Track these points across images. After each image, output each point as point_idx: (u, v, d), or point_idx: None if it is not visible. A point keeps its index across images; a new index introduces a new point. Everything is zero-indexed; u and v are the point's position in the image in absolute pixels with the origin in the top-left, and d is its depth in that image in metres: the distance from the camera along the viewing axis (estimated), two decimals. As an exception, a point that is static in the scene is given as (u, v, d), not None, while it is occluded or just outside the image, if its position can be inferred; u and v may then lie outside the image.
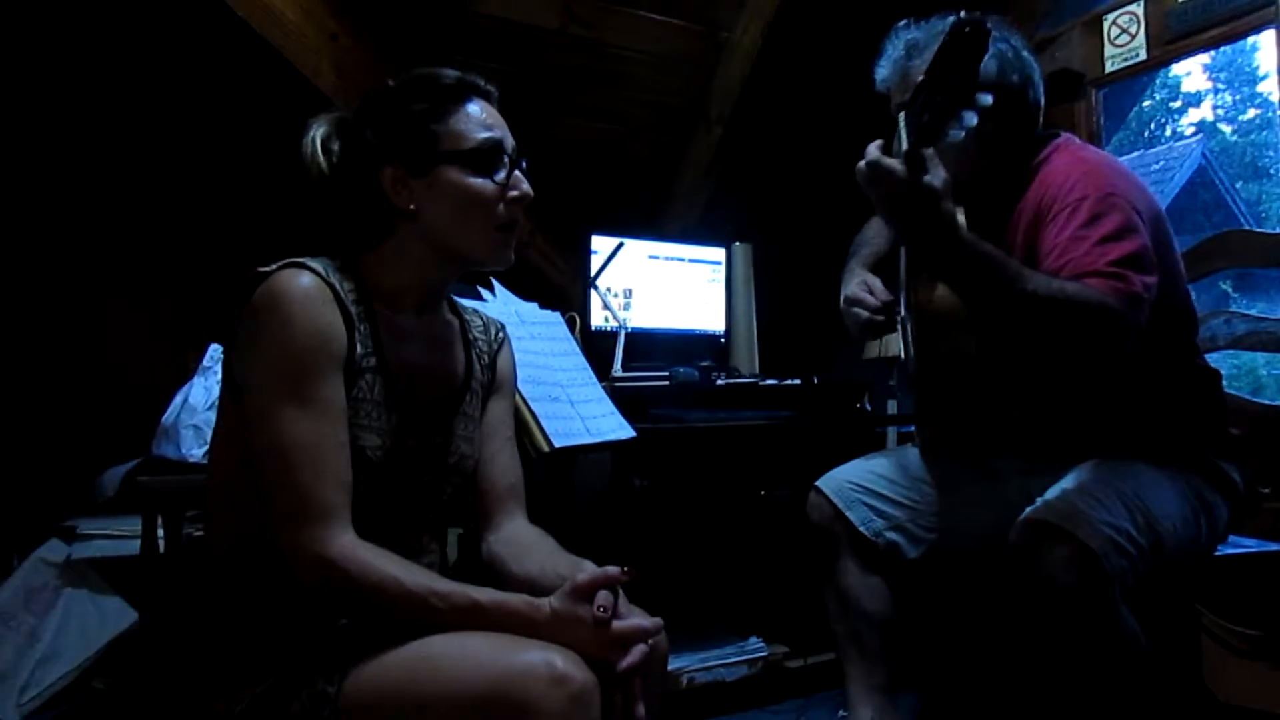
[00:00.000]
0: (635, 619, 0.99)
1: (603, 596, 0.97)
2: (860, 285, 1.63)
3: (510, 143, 1.13)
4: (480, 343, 1.27)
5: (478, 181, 1.09)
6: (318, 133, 1.12)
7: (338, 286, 1.05)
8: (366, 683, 0.95)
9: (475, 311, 1.32)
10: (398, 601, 0.96)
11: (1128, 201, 1.37)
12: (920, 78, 1.20)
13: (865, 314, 1.59)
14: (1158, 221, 1.44)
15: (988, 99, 1.15)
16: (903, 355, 1.69)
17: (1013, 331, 1.33)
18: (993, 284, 1.26)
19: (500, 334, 1.32)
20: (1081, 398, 1.49)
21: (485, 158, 1.10)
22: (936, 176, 1.21)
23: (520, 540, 1.20)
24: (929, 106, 1.15)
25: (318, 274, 1.03)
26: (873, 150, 1.25)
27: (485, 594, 0.98)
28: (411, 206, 1.09)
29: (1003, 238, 1.47)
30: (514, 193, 1.12)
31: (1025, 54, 1.51)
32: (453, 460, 1.17)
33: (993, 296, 1.28)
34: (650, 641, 1.00)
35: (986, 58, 1.31)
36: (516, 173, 1.13)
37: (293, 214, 1.18)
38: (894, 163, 1.21)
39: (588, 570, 1.03)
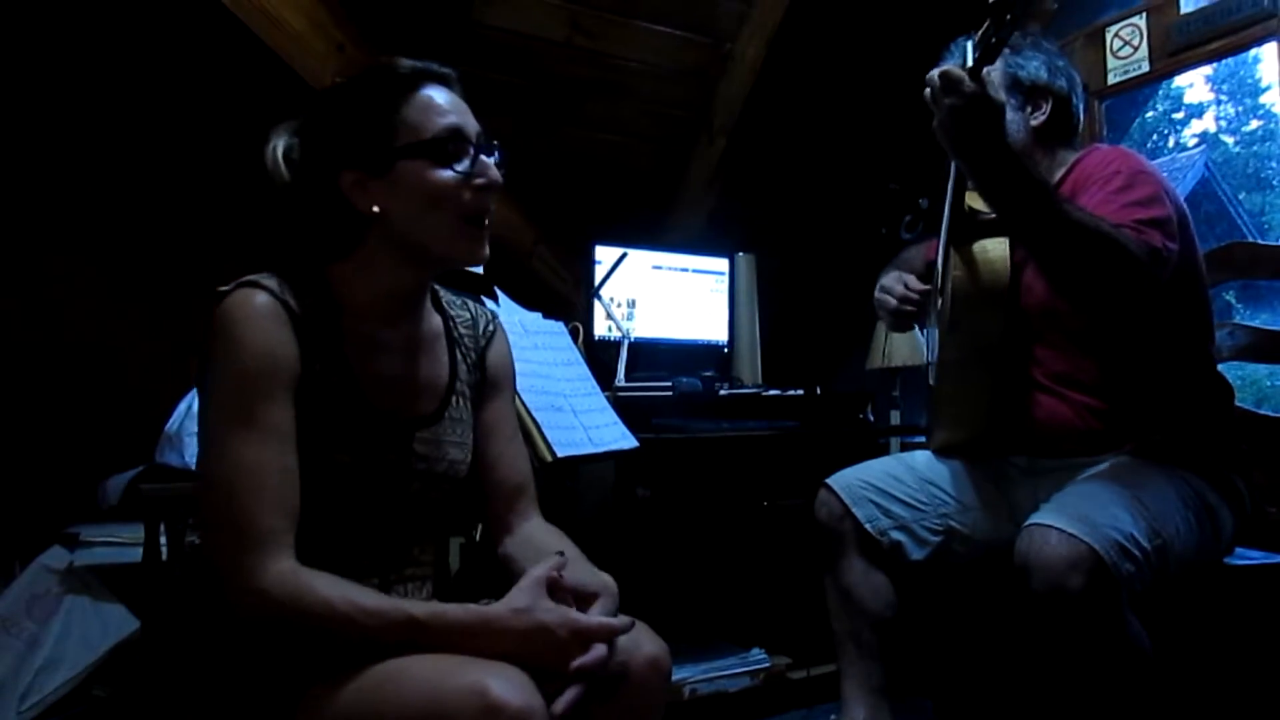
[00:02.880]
0: (602, 618, 0.96)
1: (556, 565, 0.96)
2: (895, 277, 1.74)
3: (473, 127, 1.07)
4: (466, 339, 1.22)
5: (440, 173, 1.03)
6: (278, 142, 1.08)
7: (293, 304, 1.01)
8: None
9: (465, 304, 1.26)
10: (329, 626, 0.91)
11: (1159, 181, 1.49)
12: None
13: (895, 302, 1.71)
14: (1183, 220, 1.50)
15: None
16: (925, 358, 1.74)
17: (1046, 253, 1.42)
18: (1038, 204, 1.36)
19: (489, 326, 1.25)
20: (1102, 378, 1.52)
21: (445, 147, 1.04)
22: (997, 98, 1.38)
23: (534, 542, 1.16)
24: (996, 27, 1.30)
25: (272, 292, 1.00)
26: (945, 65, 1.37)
27: (424, 608, 0.94)
28: (375, 209, 1.04)
29: None
30: (480, 180, 1.05)
31: (1072, 71, 1.66)
32: (441, 468, 1.12)
33: (1035, 216, 1.37)
34: (645, 657, 0.98)
35: (1038, 64, 1.61)
36: (483, 159, 1.06)
37: (261, 226, 1.15)
38: (964, 74, 1.33)
39: (600, 580, 1.02)
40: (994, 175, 1.37)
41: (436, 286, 1.22)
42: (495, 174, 1.07)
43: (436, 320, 1.19)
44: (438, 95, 1.06)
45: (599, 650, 0.93)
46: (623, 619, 0.98)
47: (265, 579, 0.92)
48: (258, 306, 0.99)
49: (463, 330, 1.22)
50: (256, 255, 1.10)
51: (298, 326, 1.01)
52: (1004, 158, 1.35)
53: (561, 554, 1.01)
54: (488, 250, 1.10)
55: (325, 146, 1.06)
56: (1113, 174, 1.50)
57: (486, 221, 1.08)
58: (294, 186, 1.07)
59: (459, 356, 1.20)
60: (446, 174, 1.04)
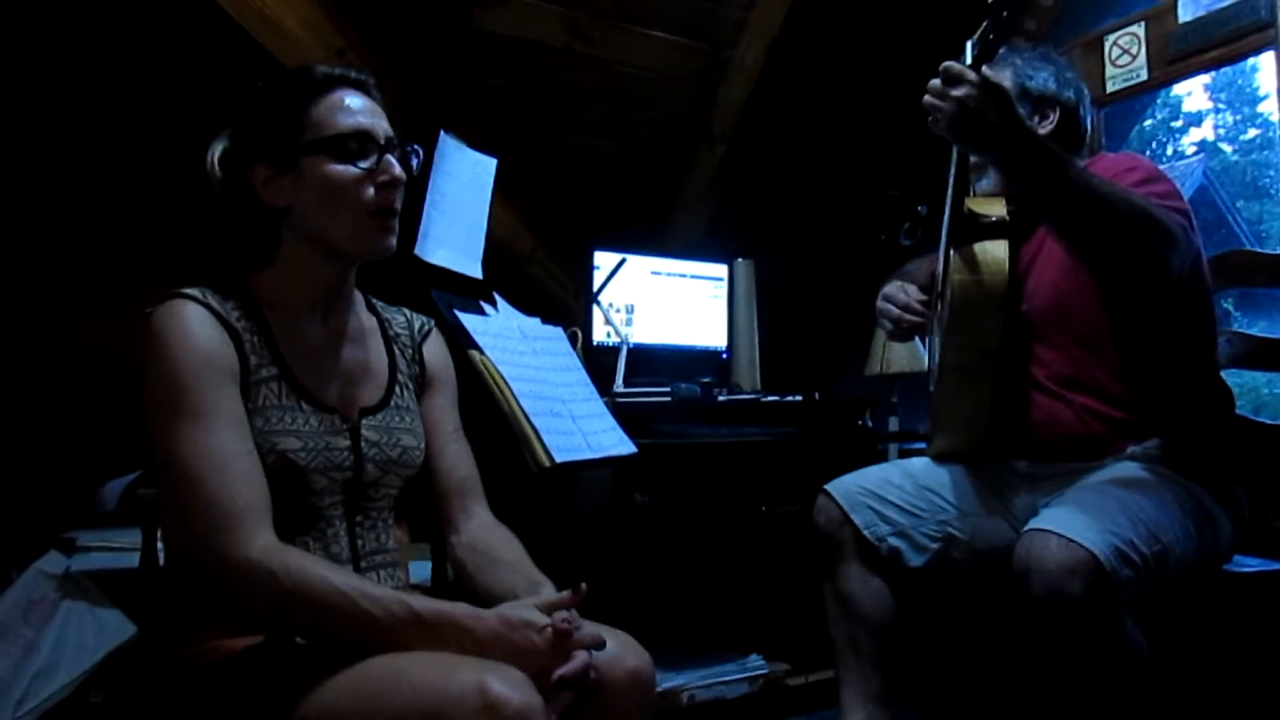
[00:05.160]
0: (587, 629, 0.98)
1: (563, 614, 0.96)
2: (897, 287, 1.74)
3: (381, 129, 1.11)
4: (403, 337, 1.27)
5: (342, 169, 1.07)
6: (215, 146, 1.12)
7: (218, 307, 1.05)
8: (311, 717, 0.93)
9: (399, 310, 1.32)
10: (329, 604, 0.93)
11: (1173, 182, 1.50)
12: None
13: (896, 311, 1.72)
14: (1191, 222, 1.50)
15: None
16: (925, 365, 1.74)
17: (1080, 228, 1.39)
18: (1068, 178, 1.34)
19: (425, 328, 1.31)
20: (1106, 380, 1.52)
21: (348, 144, 1.08)
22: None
23: (483, 549, 1.19)
24: (994, 25, 1.32)
25: (195, 299, 1.04)
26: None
27: (423, 602, 0.96)
28: (284, 204, 1.08)
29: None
30: (383, 177, 1.09)
31: (1080, 82, 1.67)
32: (394, 454, 1.16)
33: (1067, 190, 1.34)
34: (626, 669, 0.99)
35: (1047, 74, 1.62)
36: (388, 157, 1.10)
37: (195, 233, 1.20)
38: (965, 68, 1.33)
39: (548, 593, 1.04)
40: (1018, 155, 1.35)
41: (373, 298, 1.27)
42: (398, 171, 1.11)
43: (370, 319, 1.24)
44: (348, 98, 1.10)
45: (581, 658, 0.94)
46: (599, 633, 0.99)
47: (252, 550, 0.94)
48: (188, 313, 1.02)
49: (398, 329, 1.27)
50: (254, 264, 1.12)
51: (227, 325, 1.05)
52: (1025, 136, 1.34)
53: (579, 588, 1.02)
54: (393, 242, 1.13)
55: (241, 143, 1.11)
56: (1129, 169, 1.52)
57: (392, 216, 1.12)
58: (222, 189, 1.11)
59: (396, 351, 1.24)
60: (348, 170, 1.08)
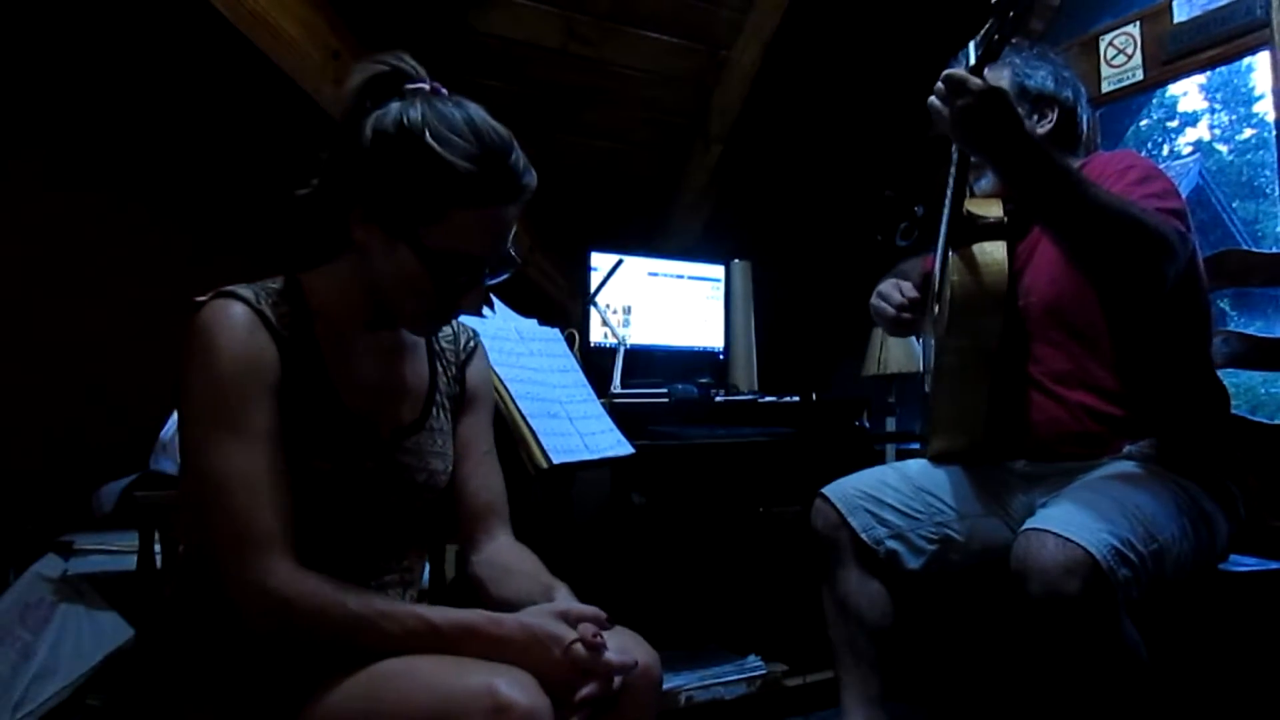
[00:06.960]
0: (610, 658, 0.97)
1: (591, 628, 0.96)
2: (892, 284, 1.74)
3: (496, 254, 1.05)
4: (448, 353, 1.24)
5: (431, 279, 1.02)
6: (380, 115, 1.03)
7: (268, 312, 1.02)
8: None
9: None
10: (346, 628, 0.93)
11: (1170, 178, 1.51)
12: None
13: (891, 309, 1.71)
14: (1188, 224, 1.50)
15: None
16: (921, 366, 1.74)
17: (1077, 235, 1.39)
18: (1068, 187, 1.34)
19: (470, 343, 1.27)
20: (1102, 378, 1.53)
21: (450, 267, 1.02)
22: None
23: (501, 562, 1.17)
24: (999, 24, 1.32)
25: (247, 301, 1.01)
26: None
27: (439, 613, 0.95)
28: (365, 247, 1.04)
29: None
30: (461, 296, 1.07)
31: (1078, 82, 1.67)
32: (421, 478, 1.14)
33: (1066, 198, 1.35)
34: (630, 666, 0.99)
35: (1045, 73, 1.63)
36: (477, 286, 1.06)
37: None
38: (967, 74, 1.32)
39: (564, 596, 1.04)
40: (1020, 163, 1.35)
41: None
42: (469, 301, 1.08)
43: None
44: (491, 223, 1.03)
45: (593, 687, 0.94)
46: (628, 658, 0.98)
47: (273, 579, 0.93)
48: (234, 315, 1.00)
49: (444, 344, 1.24)
50: (251, 263, 1.11)
51: (274, 333, 1.02)
52: (1027, 145, 1.34)
53: (607, 621, 1.01)
54: (441, 329, 1.17)
55: (364, 174, 1.01)
56: (1126, 168, 1.52)
57: (451, 318, 1.15)
58: (341, 131, 1.04)
59: (439, 368, 1.21)
60: (435, 284, 1.03)
